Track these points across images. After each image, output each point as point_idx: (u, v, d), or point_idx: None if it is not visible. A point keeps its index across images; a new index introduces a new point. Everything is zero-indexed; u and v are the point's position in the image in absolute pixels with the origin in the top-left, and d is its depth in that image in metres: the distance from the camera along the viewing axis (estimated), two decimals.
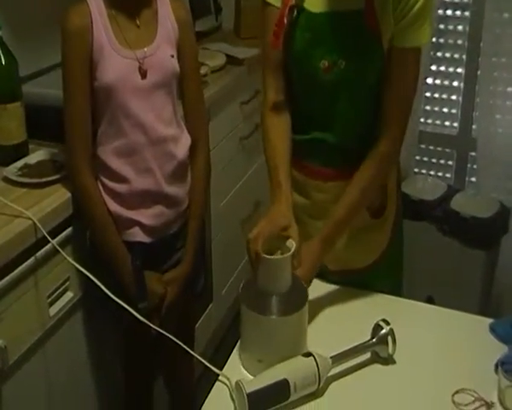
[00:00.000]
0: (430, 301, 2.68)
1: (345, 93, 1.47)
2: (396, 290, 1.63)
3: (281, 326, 1.31)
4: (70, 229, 1.72)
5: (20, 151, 1.87)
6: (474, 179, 2.97)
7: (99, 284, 1.48)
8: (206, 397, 1.33)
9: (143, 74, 1.66)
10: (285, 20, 1.47)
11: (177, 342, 1.40)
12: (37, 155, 1.87)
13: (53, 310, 1.68)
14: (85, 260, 1.69)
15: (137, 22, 1.68)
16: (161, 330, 1.42)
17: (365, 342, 1.37)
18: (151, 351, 1.94)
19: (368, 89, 1.48)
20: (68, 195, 1.71)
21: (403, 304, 1.58)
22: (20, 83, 1.86)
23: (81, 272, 1.57)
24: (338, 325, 1.48)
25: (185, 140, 1.78)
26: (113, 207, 1.70)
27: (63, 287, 1.72)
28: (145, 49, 1.67)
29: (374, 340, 1.38)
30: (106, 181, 1.70)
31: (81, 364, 1.88)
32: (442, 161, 3.09)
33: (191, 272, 1.80)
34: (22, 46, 2.05)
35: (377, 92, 1.49)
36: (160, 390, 2.09)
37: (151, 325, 1.43)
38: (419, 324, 1.51)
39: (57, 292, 1.70)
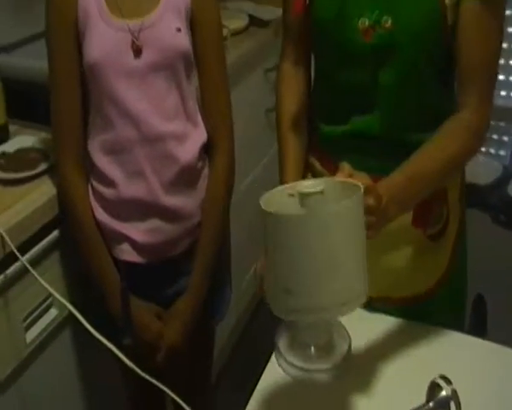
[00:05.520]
0: (480, 299, 2.37)
1: (393, 62, 1.13)
2: (457, 326, 1.29)
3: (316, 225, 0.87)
4: (55, 233, 1.42)
5: None
6: None
7: (75, 312, 1.16)
8: None
9: (137, 52, 1.29)
10: None
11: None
12: (17, 141, 1.56)
13: (30, 335, 1.39)
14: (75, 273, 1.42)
15: None
16: (155, 382, 1.10)
17: (419, 408, 1.06)
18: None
19: (423, 55, 1.14)
20: (51, 194, 1.40)
21: (467, 344, 1.24)
22: None
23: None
24: (379, 380, 1.16)
25: (197, 138, 1.41)
26: (100, 215, 1.38)
27: (45, 304, 1.42)
28: (142, 19, 1.30)
29: (430, 404, 1.05)
30: (94, 183, 1.39)
31: (72, 398, 1.58)
32: (495, 136, 2.71)
33: (200, 304, 1.44)
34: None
35: (437, 57, 1.15)
36: None
37: (144, 374, 1.10)
38: (492, 377, 1.17)
39: (37, 312, 1.41)
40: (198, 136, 1.41)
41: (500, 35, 1.13)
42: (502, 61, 2.59)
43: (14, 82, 1.61)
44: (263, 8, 2.51)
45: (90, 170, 1.39)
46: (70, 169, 1.36)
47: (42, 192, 1.40)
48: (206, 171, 1.45)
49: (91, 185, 1.39)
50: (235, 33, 2.31)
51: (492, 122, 2.65)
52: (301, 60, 1.30)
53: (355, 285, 0.92)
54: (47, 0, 1.31)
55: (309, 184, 0.94)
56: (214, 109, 1.43)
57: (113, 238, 1.40)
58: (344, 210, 0.89)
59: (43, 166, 1.46)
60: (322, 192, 0.93)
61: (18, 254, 1.24)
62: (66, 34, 1.30)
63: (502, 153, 2.73)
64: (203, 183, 1.44)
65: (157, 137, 1.34)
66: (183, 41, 1.33)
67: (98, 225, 1.38)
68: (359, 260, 0.92)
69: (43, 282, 1.22)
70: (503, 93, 2.65)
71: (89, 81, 1.33)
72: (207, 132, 1.43)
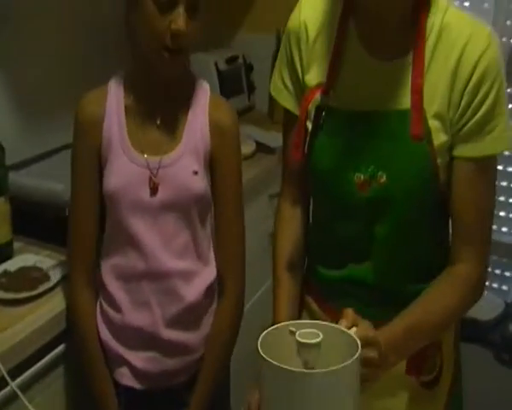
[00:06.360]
0: None
1: (387, 215, 1.15)
2: None
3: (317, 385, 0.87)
4: (50, 356, 1.40)
5: (2, 254, 1.57)
6: None
7: None
8: None
9: (154, 189, 1.31)
10: (308, 125, 1.18)
11: None
12: (20, 260, 1.56)
13: None
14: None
15: (158, 121, 1.35)
16: None
17: None
18: None
19: (416, 210, 1.16)
20: (48, 317, 1.39)
21: None
22: (6, 173, 1.57)
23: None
24: None
25: (207, 276, 1.40)
26: (105, 335, 1.39)
27: None
28: (162, 156, 1.33)
29: None
30: (103, 304, 1.40)
31: None
32: (498, 271, 2.71)
33: None
34: (11, 129, 1.85)
35: (430, 211, 1.17)
36: None
37: None
38: None
39: None
40: (208, 274, 1.41)
41: (493, 191, 1.17)
42: (502, 198, 2.63)
43: (20, 200, 1.64)
44: (270, 134, 2.58)
45: (100, 290, 1.40)
46: (81, 287, 1.39)
47: (40, 315, 1.38)
48: (213, 306, 1.44)
49: (100, 305, 1.40)
50: (243, 159, 2.36)
51: (495, 257, 2.66)
52: (299, 200, 1.31)
53: None
54: (75, 123, 1.37)
55: (309, 333, 0.93)
56: (226, 248, 1.42)
57: (114, 360, 1.39)
58: (338, 373, 0.87)
59: (43, 287, 1.45)
60: (319, 344, 0.92)
61: (9, 379, 1.22)
62: (89, 158, 1.35)
63: (504, 288, 2.71)
64: (209, 318, 1.43)
65: (164, 274, 1.35)
66: (199, 184, 1.34)
67: (102, 344, 1.38)
68: None
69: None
70: (504, 229, 2.67)
71: (107, 207, 1.36)
72: (217, 268, 1.42)
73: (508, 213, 2.62)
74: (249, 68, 2.90)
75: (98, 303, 1.41)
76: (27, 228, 1.66)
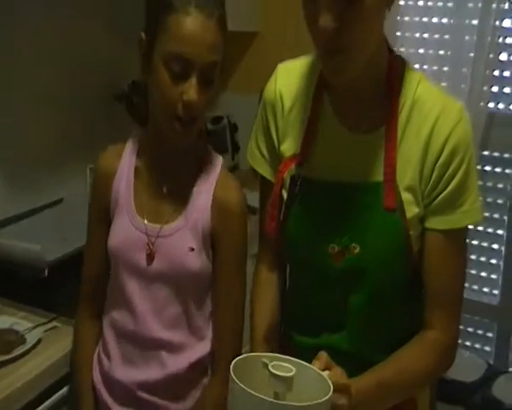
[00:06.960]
0: None
1: (361, 285, 1.16)
2: None
3: None
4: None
5: None
6: None
7: None
8: None
9: (150, 256, 1.31)
10: (284, 194, 1.20)
11: None
12: None
13: None
14: None
15: (164, 189, 1.34)
16: None
17: None
18: None
19: (390, 279, 1.16)
20: (24, 380, 1.36)
21: None
22: None
23: None
24: None
25: (197, 351, 1.36)
26: (96, 377, 1.41)
27: None
28: (161, 226, 1.32)
29: None
30: (100, 350, 1.42)
31: None
32: (480, 331, 2.70)
33: None
34: None
35: (404, 282, 1.18)
36: None
37: None
38: None
39: None
40: (200, 349, 1.37)
41: (464, 259, 1.18)
42: (483, 259, 2.64)
43: None
44: (253, 195, 2.57)
45: (101, 336, 1.43)
46: (83, 324, 1.44)
47: (15, 378, 1.36)
48: (205, 380, 1.40)
49: (98, 350, 1.42)
50: None
51: (477, 318, 2.65)
52: (276, 266, 1.33)
53: None
54: (94, 174, 1.42)
55: (282, 366, 0.94)
56: (222, 326, 1.37)
57: (99, 404, 1.40)
58: (310, 408, 0.87)
59: (18, 351, 1.44)
60: (291, 378, 0.93)
61: None
62: (101, 208, 1.38)
63: (487, 349, 2.70)
64: (196, 392, 1.39)
65: (151, 340, 1.34)
66: (194, 261, 1.31)
67: (94, 388, 1.40)
68: None
69: None
70: (485, 290, 2.68)
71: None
72: (212, 343, 1.38)
73: (489, 273, 2.64)
74: (234, 128, 2.94)
75: (97, 348, 1.43)
76: (4, 289, 1.65)
